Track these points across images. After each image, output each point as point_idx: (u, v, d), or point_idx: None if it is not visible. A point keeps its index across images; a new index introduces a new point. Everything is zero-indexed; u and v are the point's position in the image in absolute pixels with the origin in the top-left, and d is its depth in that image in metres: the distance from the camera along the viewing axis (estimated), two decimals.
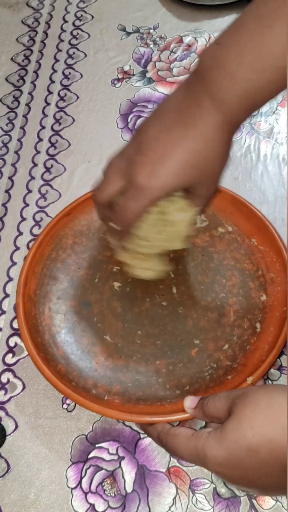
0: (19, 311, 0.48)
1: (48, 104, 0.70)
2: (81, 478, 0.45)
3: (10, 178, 0.64)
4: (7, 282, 0.56)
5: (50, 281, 0.52)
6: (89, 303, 0.52)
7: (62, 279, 0.53)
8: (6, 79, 0.73)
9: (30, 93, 0.71)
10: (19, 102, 0.71)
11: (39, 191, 0.62)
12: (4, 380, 0.51)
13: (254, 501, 0.44)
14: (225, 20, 0.76)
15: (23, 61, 0.75)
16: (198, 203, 0.43)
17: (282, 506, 0.43)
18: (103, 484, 0.45)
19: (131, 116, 0.68)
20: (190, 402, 0.41)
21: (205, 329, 0.50)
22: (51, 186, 0.63)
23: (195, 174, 0.39)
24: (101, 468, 0.46)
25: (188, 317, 0.50)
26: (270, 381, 0.49)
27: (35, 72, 0.74)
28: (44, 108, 0.70)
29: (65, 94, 0.71)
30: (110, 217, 0.43)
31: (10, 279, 0.56)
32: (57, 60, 0.75)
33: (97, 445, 0.47)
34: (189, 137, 0.38)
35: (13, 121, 0.69)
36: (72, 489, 0.45)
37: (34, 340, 0.47)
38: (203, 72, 0.37)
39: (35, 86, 0.72)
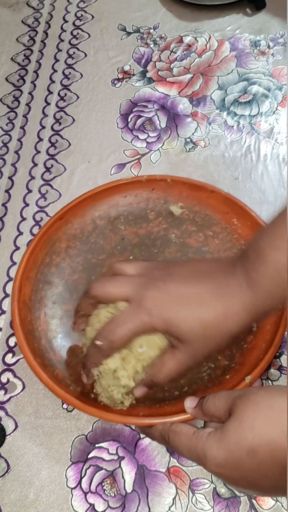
0: (14, 317, 0.48)
1: (48, 104, 0.70)
2: (81, 478, 0.45)
3: (10, 178, 0.64)
4: (7, 282, 0.56)
5: (45, 286, 0.52)
6: None
7: (57, 283, 0.53)
8: (6, 79, 0.73)
9: (30, 93, 0.71)
10: (19, 102, 0.71)
11: (39, 191, 0.62)
12: (4, 380, 0.51)
13: (254, 501, 0.44)
14: (225, 20, 0.76)
15: (23, 60, 0.75)
16: (178, 357, 0.40)
17: (282, 506, 0.43)
18: (103, 484, 0.45)
19: (131, 116, 0.68)
20: (190, 402, 0.41)
21: None
22: (51, 186, 0.63)
23: (199, 334, 0.38)
24: (101, 468, 0.46)
25: None
26: (270, 381, 0.49)
27: (35, 72, 0.74)
28: (44, 108, 0.70)
29: (65, 94, 0.71)
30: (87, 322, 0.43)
31: (10, 279, 0.56)
32: (57, 60, 0.75)
33: (97, 445, 0.47)
34: (215, 297, 0.38)
35: (13, 121, 0.69)
36: (72, 489, 0.45)
37: (30, 346, 0.46)
38: (246, 252, 0.39)
39: (35, 86, 0.72)
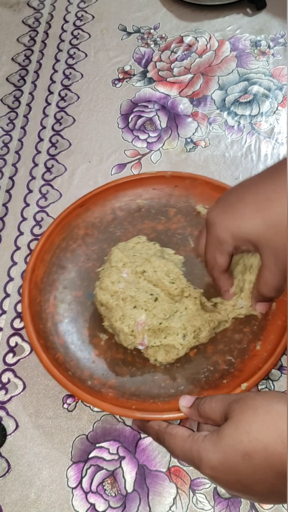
0: (24, 297, 0.49)
1: (48, 104, 0.70)
2: (82, 477, 0.46)
3: (10, 178, 0.64)
4: (7, 282, 0.56)
5: (58, 270, 0.53)
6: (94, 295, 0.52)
7: (70, 269, 0.53)
8: (7, 79, 0.73)
9: (30, 93, 0.71)
10: (19, 102, 0.71)
11: (40, 191, 0.62)
12: (4, 380, 0.51)
13: None
14: (226, 20, 0.76)
15: (23, 61, 0.75)
16: (266, 280, 0.43)
17: (283, 506, 0.43)
18: (104, 483, 0.45)
19: (131, 116, 0.68)
20: (185, 401, 0.41)
21: None
22: (51, 186, 0.63)
23: (265, 229, 0.40)
24: (102, 468, 0.46)
25: None
26: (270, 381, 0.49)
27: (36, 72, 0.74)
28: (44, 108, 0.70)
29: (66, 94, 0.71)
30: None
31: (11, 279, 0.56)
32: (57, 60, 0.75)
33: (97, 445, 0.47)
34: (264, 196, 0.41)
35: (13, 121, 0.69)
36: (72, 488, 0.45)
37: (35, 326, 0.48)
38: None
39: (35, 86, 0.72)
